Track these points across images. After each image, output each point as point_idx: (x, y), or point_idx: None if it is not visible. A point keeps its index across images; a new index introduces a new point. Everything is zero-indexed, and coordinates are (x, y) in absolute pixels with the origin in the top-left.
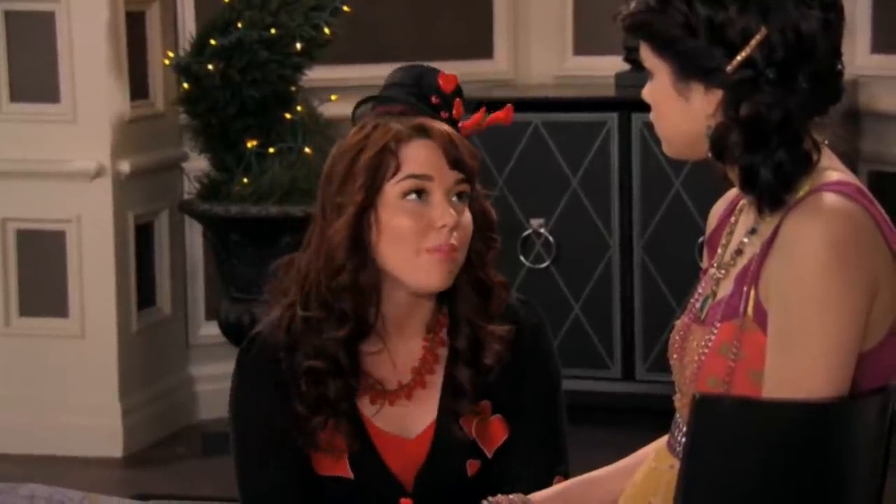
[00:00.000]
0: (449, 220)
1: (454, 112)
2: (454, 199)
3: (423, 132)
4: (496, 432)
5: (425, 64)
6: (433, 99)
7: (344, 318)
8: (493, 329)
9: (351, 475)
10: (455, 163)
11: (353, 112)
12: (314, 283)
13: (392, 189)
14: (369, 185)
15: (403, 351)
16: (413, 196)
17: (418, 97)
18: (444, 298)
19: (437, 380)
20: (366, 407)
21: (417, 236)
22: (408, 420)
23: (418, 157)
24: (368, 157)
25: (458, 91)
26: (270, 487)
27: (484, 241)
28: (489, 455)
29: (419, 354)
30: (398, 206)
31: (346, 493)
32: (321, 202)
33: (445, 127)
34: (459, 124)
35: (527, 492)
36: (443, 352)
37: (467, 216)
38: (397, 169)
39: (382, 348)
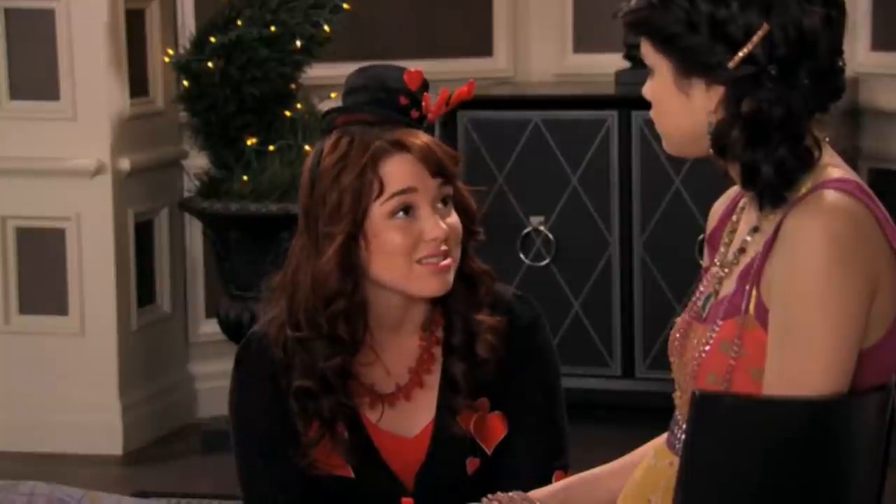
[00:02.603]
0: (439, 232)
1: (423, 105)
2: (439, 205)
3: (401, 146)
4: (495, 429)
5: (384, 63)
6: (402, 100)
7: (337, 341)
8: (485, 319)
9: (352, 475)
10: (436, 171)
11: (322, 121)
12: (302, 306)
13: (379, 210)
14: (355, 210)
15: (398, 352)
16: (401, 214)
17: (385, 102)
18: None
19: (434, 379)
20: (366, 410)
21: (409, 250)
22: (407, 419)
23: (399, 173)
24: (350, 181)
25: (424, 86)
26: (272, 483)
27: (466, 233)
28: (489, 452)
29: (416, 354)
30: (387, 225)
31: (347, 493)
32: (302, 219)
33: (422, 138)
34: (429, 116)
35: (527, 487)
36: (438, 351)
37: (454, 217)
38: (381, 189)
39: (376, 359)
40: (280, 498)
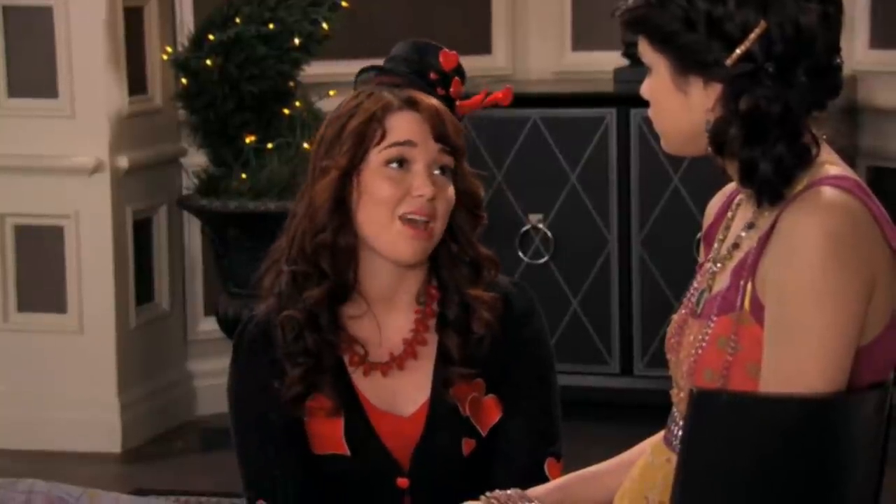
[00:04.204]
0: (427, 190)
1: (451, 90)
2: (437, 171)
3: (412, 104)
4: (490, 412)
5: (431, 41)
6: (431, 75)
7: (323, 276)
8: (480, 295)
9: (347, 452)
10: (439, 136)
11: (356, 79)
12: (299, 240)
13: (376, 156)
14: (354, 150)
15: (394, 323)
16: (395, 165)
17: (417, 72)
18: (434, 271)
19: (429, 352)
20: (359, 380)
21: (395, 202)
22: (402, 397)
23: (404, 126)
24: (356, 124)
25: (458, 70)
26: (270, 464)
27: (470, 217)
28: (483, 434)
29: (411, 326)
30: (380, 173)
31: (343, 472)
32: (311, 164)
33: (434, 101)
34: (457, 103)
35: (519, 471)
36: (433, 324)
37: (450, 191)
38: (383, 137)
39: (367, 312)
40: (279, 476)
